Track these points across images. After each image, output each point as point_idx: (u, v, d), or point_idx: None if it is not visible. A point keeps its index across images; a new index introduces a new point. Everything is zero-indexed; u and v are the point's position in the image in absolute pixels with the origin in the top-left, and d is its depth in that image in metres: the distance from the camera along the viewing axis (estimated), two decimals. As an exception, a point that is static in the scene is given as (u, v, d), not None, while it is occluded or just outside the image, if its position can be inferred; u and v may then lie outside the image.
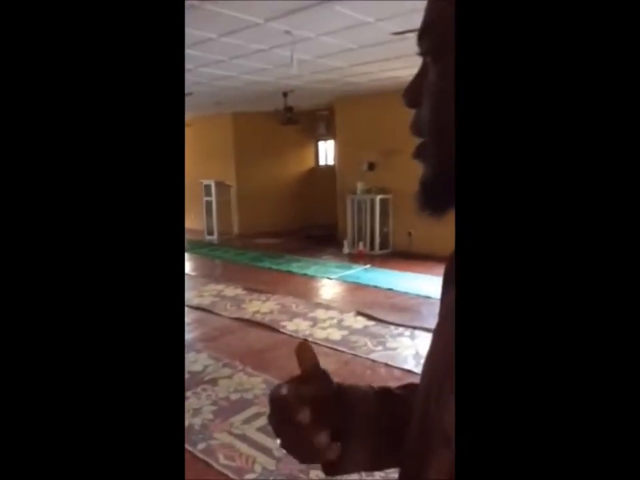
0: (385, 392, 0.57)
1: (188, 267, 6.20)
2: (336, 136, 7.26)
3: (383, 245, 6.32)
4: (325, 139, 8.26)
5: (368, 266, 5.73)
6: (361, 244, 6.40)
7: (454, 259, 0.48)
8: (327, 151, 8.45)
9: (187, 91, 5.69)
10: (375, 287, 4.81)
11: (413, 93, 0.40)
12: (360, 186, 6.40)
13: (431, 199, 0.40)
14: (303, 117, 7.23)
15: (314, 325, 3.75)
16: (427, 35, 0.38)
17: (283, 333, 3.61)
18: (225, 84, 5.48)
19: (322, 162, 8.64)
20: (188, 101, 6.34)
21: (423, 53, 0.39)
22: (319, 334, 3.55)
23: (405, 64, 4.46)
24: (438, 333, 0.44)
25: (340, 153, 7.20)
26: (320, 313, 4.05)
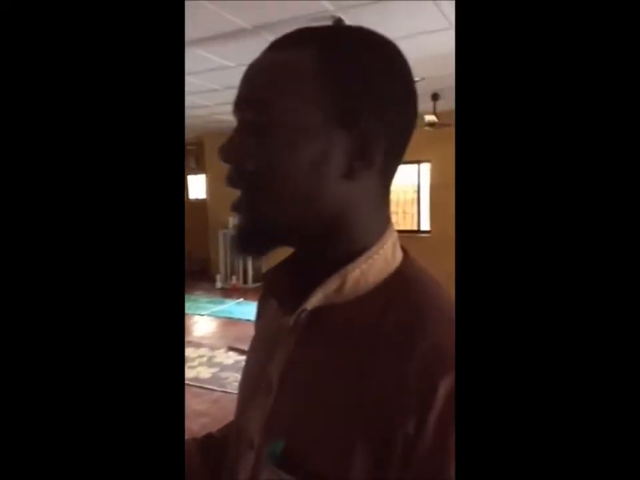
0: (206, 440, 0.58)
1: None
2: (206, 170, 7.25)
3: (256, 277, 6.40)
4: (195, 173, 8.16)
5: (241, 299, 5.74)
6: (234, 278, 6.39)
7: (262, 294, 0.57)
8: (196, 185, 8.35)
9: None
10: (248, 320, 4.82)
11: (230, 151, 0.41)
12: (232, 220, 6.44)
13: (249, 244, 0.43)
14: (172, 150, 7.09)
15: (183, 365, 3.63)
16: (249, 108, 0.40)
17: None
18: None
19: (192, 196, 8.50)
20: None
21: (242, 120, 0.41)
22: (188, 373, 3.45)
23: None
24: (252, 350, 0.53)
25: (211, 187, 7.18)
26: (189, 352, 3.93)
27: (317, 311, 0.41)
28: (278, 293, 0.46)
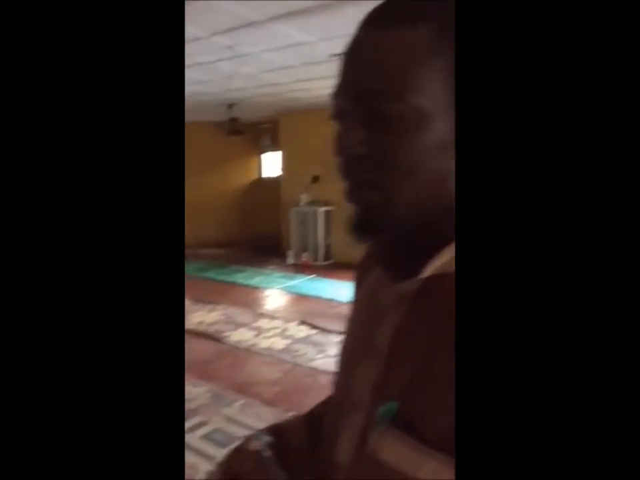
0: (309, 416, 0.61)
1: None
2: (281, 148, 7.38)
3: (327, 255, 6.48)
4: (269, 151, 8.34)
5: (311, 276, 5.86)
6: (304, 255, 6.53)
7: (361, 264, 0.59)
8: (271, 163, 8.54)
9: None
10: (318, 296, 4.93)
11: (351, 143, 0.40)
12: (304, 198, 6.54)
13: (366, 232, 0.43)
14: (248, 129, 7.29)
15: (258, 335, 3.81)
16: (376, 95, 0.38)
17: (227, 343, 3.64)
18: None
19: (266, 174, 8.71)
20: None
21: (362, 108, 0.39)
22: (263, 343, 3.62)
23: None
24: (354, 315, 0.54)
25: (285, 165, 7.32)
26: (264, 323, 4.11)
27: (431, 278, 0.42)
28: (387, 262, 0.47)
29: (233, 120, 6.39)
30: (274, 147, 8.00)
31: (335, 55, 3.52)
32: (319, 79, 4.62)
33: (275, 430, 0.58)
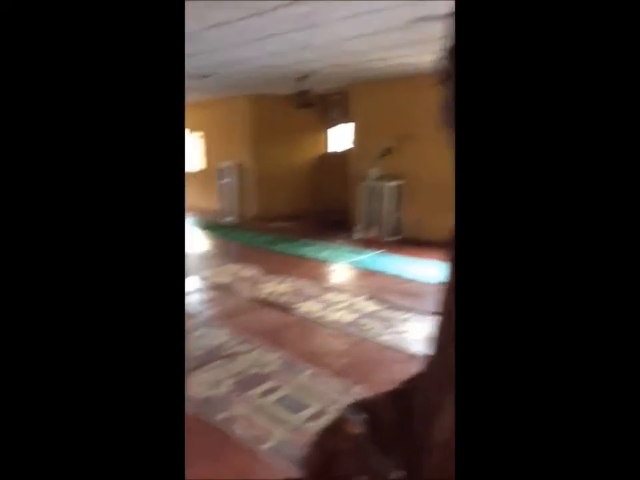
0: (396, 391, 0.60)
1: (206, 245, 6.35)
2: (351, 121, 7.28)
3: (395, 231, 6.39)
4: (338, 124, 8.26)
5: (379, 252, 5.83)
6: (373, 230, 6.48)
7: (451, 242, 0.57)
8: (339, 136, 8.47)
9: (204, 72, 5.75)
10: (386, 272, 4.90)
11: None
12: (374, 172, 6.44)
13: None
14: (318, 101, 7.26)
15: (326, 308, 3.88)
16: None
17: (295, 314, 3.74)
18: (242, 67, 5.53)
19: (335, 147, 8.66)
20: (205, 83, 6.40)
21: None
22: (331, 316, 3.68)
23: (421, 51, 4.47)
24: (446, 300, 0.53)
25: (355, 138, 7.23)
26: (332, 296, 4.17)
27: None
28: None
29: (303, 93, 6.37)
30: (343, 119, 7.91)
31: (418, 19, 3.36)
32: (396, 47, 4.45)
33: (365, 406, 0.58)
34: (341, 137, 8.32)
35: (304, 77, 6.07)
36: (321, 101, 7.65)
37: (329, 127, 8.55)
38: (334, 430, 0.56)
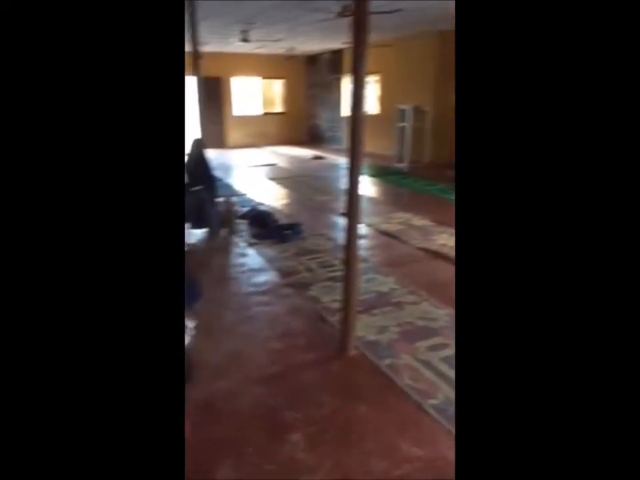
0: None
1: (375, 192, 6.34)
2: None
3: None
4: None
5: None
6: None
7: None
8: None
9: (393, 8, 5.44)
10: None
11: None
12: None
13: None
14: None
15: (505, 268, 3.51)
16: None
17: (470, 270, 3.47)
18: (433, 2, 5.06)
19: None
20: (391, 18, 6.09)
21: None
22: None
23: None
24: None
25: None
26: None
27: None
28: None
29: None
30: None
31: None
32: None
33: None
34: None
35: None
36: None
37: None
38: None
